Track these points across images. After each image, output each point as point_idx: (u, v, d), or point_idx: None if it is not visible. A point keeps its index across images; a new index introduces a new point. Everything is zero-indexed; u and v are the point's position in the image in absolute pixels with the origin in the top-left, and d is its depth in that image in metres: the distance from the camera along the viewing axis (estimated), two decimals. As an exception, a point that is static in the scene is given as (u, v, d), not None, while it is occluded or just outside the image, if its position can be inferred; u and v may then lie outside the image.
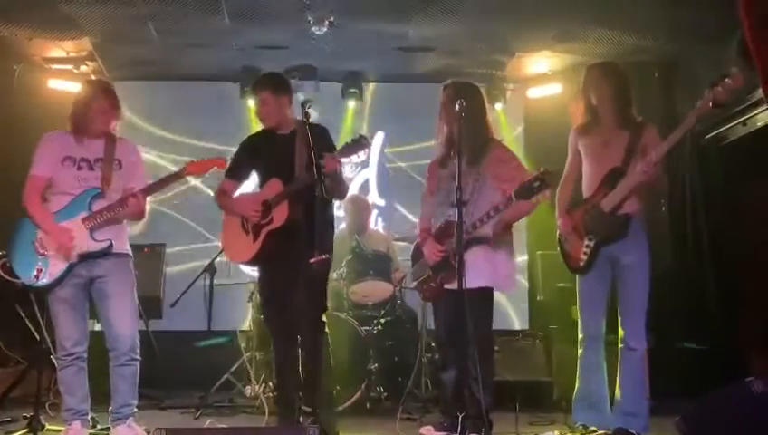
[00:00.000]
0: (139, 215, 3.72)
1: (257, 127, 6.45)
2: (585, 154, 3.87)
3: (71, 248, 3.51)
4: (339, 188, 3.89)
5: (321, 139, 3.73)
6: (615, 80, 3.84)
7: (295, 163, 3.73)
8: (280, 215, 3.68)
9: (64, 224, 3.54)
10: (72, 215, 3.56)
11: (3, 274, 3.58)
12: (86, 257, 3.56)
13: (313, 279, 3.55)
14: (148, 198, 3.76)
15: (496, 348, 5.01)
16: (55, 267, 3.51)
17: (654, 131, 3.76)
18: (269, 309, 3.97)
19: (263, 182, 3.92)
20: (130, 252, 3.77)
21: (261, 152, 3.84)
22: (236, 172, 4.03)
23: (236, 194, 4.06)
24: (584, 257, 3.77)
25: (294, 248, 3.48)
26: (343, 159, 3.72)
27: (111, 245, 3.59)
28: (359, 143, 3.62)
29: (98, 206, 3.59)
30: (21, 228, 3.59)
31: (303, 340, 3.64)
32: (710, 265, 5.51)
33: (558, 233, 3.95)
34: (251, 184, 4.23)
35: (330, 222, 3.95)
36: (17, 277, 3.53)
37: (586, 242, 3.76)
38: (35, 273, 3.46)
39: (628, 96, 3.84)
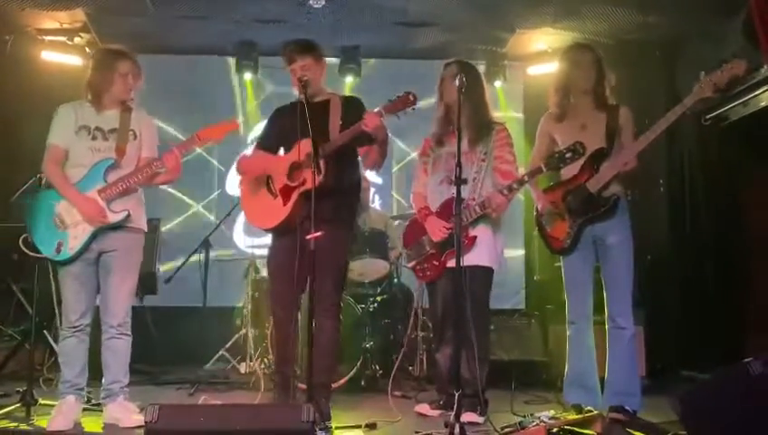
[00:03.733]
0: (176, 171, 3.63)
1: (253, 101, 6.54)
2: (563, 140, 3.79)
3: (103, 216, 3.50)
4: (381, 153, 3.65)
5: (357, 108, 3.65)
6: (596, 62, 3.78)
7: (329, 130, 3.58)
8: (314, 177, 3.37)
9: None
10: (88, 187, 3.53)
11: (25, 248, 3.56)
12: (102, 229, 3.53)
13: (332, 255, 3.52)
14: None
15: (492, 327, 5.02)
16: (75, 240, 3.50)
17: (628, 114, 3.74)
18: (278, 281, 3.73)
19: (291, 148, 3.68)
20: (145, 228, 3.73)
21: (291, 121, 3.58)
22: (265, 142, 3.87)
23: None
24: (568, 238, 3.74)
25: (323, 212, 3.32)
26: (388, 115, 3.42)
27: (129, 216, 3.56)
28: (405, 99, 3.36)
29: (113, 177, 3.55)
30: (40, 203, 3.57)
31: (317, 320, 3.46)
32: (707, 243, 5.50)
33: (536, 215, 3.91)
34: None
35: (350, 193, 3.81)
36: (38, 252, 3.51)
37: (569, 222, 3.73)
38: (56, 247, 3.46)
39: (604, 79, 3.78)
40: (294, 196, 3.60)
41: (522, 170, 3.91)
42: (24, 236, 3.57)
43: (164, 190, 6.30)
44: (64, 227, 3.51)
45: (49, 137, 3.61)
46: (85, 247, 3.52)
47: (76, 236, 3.50)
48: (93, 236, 3.52)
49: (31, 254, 3.54)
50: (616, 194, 3.67)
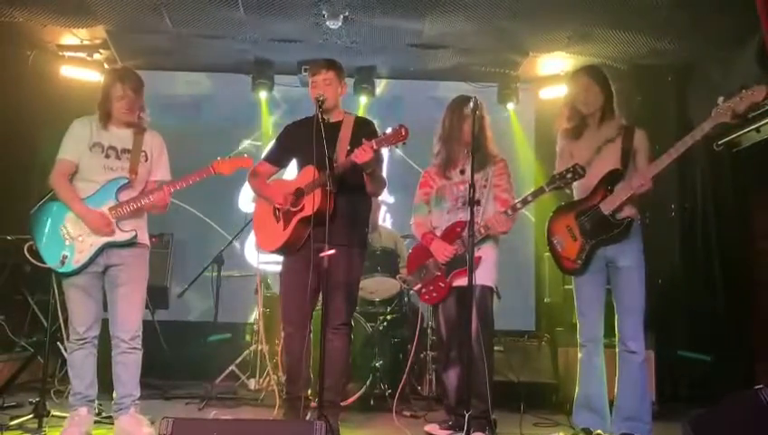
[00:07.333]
0: (162, 208, 3.72)
1: (269, 121, 6.61)
2: (578, 159, 3.81)
3: (110, 228, 3.56)
4: (372, 180, 3.69)
5: (367, 131, 3.71)
6: (602, 84, 3.82)
7: (337, 152, 3.62)
8: (312, 203, 3.55)
9: None
10: (100, 203, 3.59)
11: (30, 258, 3.60)
12: (109, 246, 3.58)
13: (344, 275, 3.58)
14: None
15: (502, 348, 5.03)
16: (81, 254, 3.54)
17: (644, 136, 3.77)
18: (289, 300, 3.78)
19: (300, 169, 3.81)
20: (149, 244, 3.79)
21: (303, 139, 3.63)
22: (273, 156, 3.96)
23: (271, 179, 3.96)
24: (579, 259, 3.74)
25: (333, 236, 3.35)
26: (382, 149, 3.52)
27: (136, 235, 3.63)
28: (397, 133, 3.46)
29: (125, 196, 3.62)
30: (47, 213, 3.61)
31: (327, 338, 3.52)
32: (719, 271, 5.48)
33: (547, 235, 3.89)
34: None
35: (360, 216, 3.84)
36: (43, 262, 3.55)
37: (582, 243, 3.74)
38: (61, 259, 3.50)
39: (613, 100, 3.82)
40: (294, 221, 3.66)
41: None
42: (28, 244, 3.61)
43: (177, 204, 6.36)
44: (71, 239, 3.55)
45: (60, 151, 3.67)
46: (91, 261, 3.56)
47: (82, 250, 3.55)
48: (100, 251, 3.57)
49: (35, 263, 3.57)
50: (629, 216, 3.68)
